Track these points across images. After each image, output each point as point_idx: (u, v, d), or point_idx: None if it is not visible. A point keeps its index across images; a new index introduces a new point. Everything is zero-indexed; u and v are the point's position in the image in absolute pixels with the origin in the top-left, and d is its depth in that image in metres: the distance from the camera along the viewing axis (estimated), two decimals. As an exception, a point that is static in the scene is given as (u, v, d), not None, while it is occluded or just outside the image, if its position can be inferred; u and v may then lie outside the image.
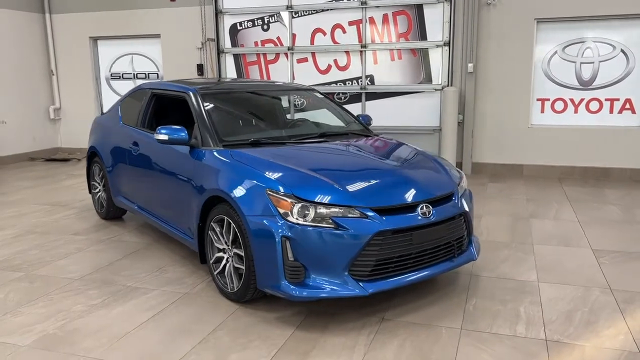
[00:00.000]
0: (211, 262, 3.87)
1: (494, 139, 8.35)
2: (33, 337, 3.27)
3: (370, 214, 3.31)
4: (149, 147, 4.67)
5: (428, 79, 8.51)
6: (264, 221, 3.31)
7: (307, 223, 3.23)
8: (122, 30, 10.03)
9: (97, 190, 5.85)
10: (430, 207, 3.52)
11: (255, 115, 4.83)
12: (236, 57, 9.43)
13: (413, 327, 3.34)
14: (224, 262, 3.74)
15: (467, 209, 3.79)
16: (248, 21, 9.25)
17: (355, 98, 8.93)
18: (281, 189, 3.36)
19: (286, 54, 9.11)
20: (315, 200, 3.30)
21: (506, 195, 6.89)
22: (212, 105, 4.43)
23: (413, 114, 8.64)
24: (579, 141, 7.96)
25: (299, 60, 9.08)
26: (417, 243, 3.43)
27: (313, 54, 8.99)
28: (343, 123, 4.98)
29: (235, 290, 3.64)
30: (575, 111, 8.06)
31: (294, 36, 9.00)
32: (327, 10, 8.74)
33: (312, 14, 8.85)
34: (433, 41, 8.36)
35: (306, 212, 3.25)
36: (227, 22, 9.34)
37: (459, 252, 3.77)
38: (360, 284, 3.27)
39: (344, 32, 8.77)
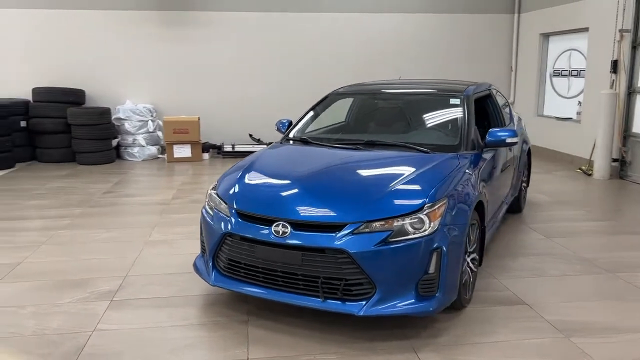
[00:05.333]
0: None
1: None
2: None
3: (233, 215, 3.48)
4: None
5: None
6: None
7: (207, 208, 3.77)
8: (560, 25, 9.61)
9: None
10: (289, 227, 3.22)
11: (366, 116, 4.80)
12: (651, 50, 7.51)
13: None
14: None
15: (352, 249, 3.06)
16: (669, 4, 7.16)
17: None
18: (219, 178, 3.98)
19: None
20: (217, 192, 3.76)
21: None
22: (331, 105, 4.92)
23: None
24: None
25: None
26: (260, 258, 3.31)
27: None
28: (445, 136, 4.27)
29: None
30: None
31: None
32: None
33: None
34: None
35: (212, 198, 3.78)
36: (649, 6, 7.53)
37: (329, 294, 3.16)
38: (214, 273, 3.57)
39: None
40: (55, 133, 9.49)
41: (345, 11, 10.61)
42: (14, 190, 7.40)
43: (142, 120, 9.93)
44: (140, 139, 9.93)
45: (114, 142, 9.86)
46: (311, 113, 4.88)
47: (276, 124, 5.04)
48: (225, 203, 3.58)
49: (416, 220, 3.16)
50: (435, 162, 3.73)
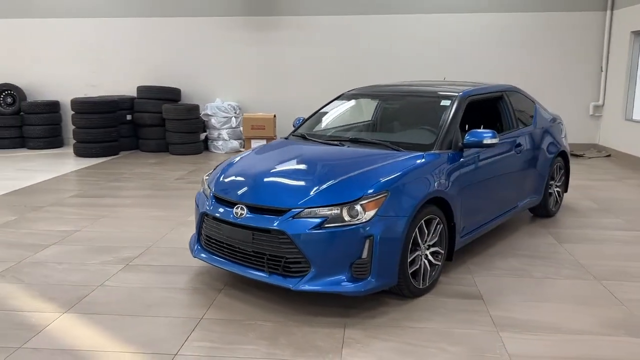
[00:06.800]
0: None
1: None
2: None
3: (211, 197, 4.05)
4: None
5: None
6: None
7: (201, 192, 4.38)
8: (651, 23, 8.92)
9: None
10: (245, 210, 3.71)
11: (369, 116, 5.09)
12: None
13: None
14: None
15: (292, 231, 3.48)
16: None
17: None
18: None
19: None
20: (208, 178, 4.36)
21: None
22: (342, 104, 5.32)
23: None
24: None
25: None
26: (225, 235, 3.84)
27: None
28: (426, 136, 4.44)
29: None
30: None
31: None
32: None
33: None
34: None
35: (204, 183, 4.39)
36: None
37: (274, 269, 3.60)
38: (198, 247, 4.17)
39: None
40: (152, 126, 10.82)
41: (426, 12, 10.74)
42: (107, 173, 8.68)
43: (227, 117, 10.92)
44: (224, 134, 10.93)
45: (202, 136, 10.97)
46: (321, 112, 5.31)
47: (294, 122, 5.53)
48: (209, 188, 4.17)
49: (352, 209, 3.49)
50: (395, 159, 3.99)
